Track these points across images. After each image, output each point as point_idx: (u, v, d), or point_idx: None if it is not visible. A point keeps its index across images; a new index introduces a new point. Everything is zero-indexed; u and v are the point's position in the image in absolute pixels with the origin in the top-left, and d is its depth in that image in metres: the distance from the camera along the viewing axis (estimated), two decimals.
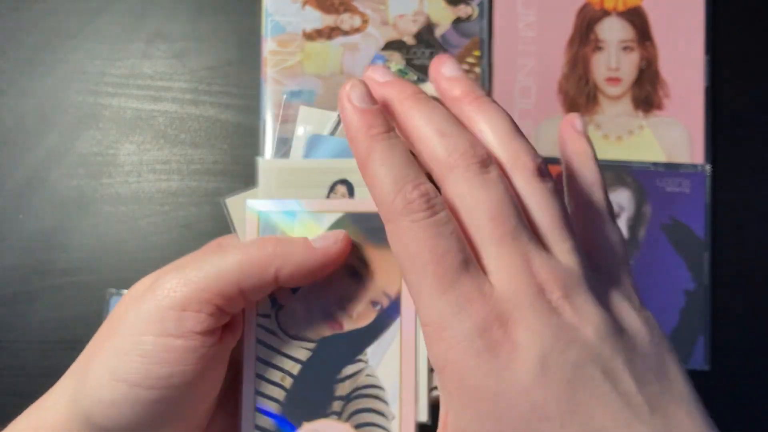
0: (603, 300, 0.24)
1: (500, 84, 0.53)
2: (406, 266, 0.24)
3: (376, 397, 0.28)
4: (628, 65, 0.54)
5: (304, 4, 0.52)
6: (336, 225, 0.29)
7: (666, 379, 0.24)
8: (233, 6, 0.53)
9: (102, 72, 0.52)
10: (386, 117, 0.26)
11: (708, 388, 0.52)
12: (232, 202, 0.31)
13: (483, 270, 0.24)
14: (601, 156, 0.53)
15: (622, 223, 0.53)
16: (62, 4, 0.52)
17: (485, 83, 0.53)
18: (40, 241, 0.51)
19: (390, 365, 0.28)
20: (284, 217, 0.29)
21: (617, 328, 0.24)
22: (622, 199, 0.53)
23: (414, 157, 0.26)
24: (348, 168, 0.30)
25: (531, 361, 0.22)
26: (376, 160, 0.25)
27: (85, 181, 0.51)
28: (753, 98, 0.55)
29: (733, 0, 0.55)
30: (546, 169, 0.26)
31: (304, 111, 0.32)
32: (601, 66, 0.54)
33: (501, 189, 0.24)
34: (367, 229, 0.29)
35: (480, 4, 0.53)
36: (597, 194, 0.28)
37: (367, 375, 0.28)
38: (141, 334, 0.26)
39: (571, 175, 0.29)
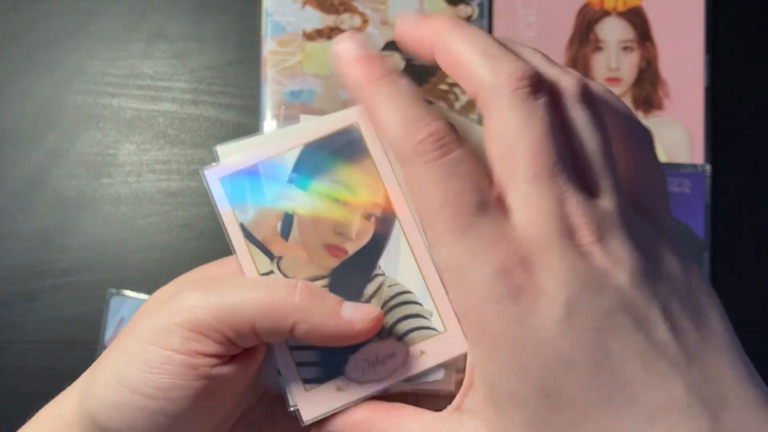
0: (641, 242, 0.22)
1: None
2: (422, 210, 0.23)
3: (407, 302, 0.27)
4: (628, 65, 0.54)
5: (304, 4, 0.52)
6: (302, 164, 0.28)
7: (705, 327, 0.22)
8: (233, 6, 0.53)
9: (102, 72, 0.52)
10: (385, 60, 0.25)
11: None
12: (224, 150, 0.29)
13: (508, 209, 0.22)
14: None
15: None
16: (62, 5, 0.52)
17: None
18: (40, 240, 0.51)
19: (407, 267, 0.27)
20: (248, 173, 0.28)
21: (654, 273, 0.22)
22: None
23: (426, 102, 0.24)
24: (312, 130, 0.29)
25: (557, 308, 0.21)
26: (381, 104, 0.24)
27: (85, 181, 0.51)
28: (753, 98, 0.55)
29: (733, 0, 0.55)
30: (592, 93, 0.24)
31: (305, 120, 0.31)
32: (601, 66, 0.54)
33: (548, 120, 0.22)
34: (334, 151, 0.28)
35: (480, 5, 0.53)
36: (636, 124, 0.26)
37: (389, 286, 0.27)
38: (148, 343, 0.25)
39: (607, 102, 0.26)
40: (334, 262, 0.28)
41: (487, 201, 0.22)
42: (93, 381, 0.26)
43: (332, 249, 0.28)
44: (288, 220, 0.28)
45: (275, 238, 0.28)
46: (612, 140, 0.24)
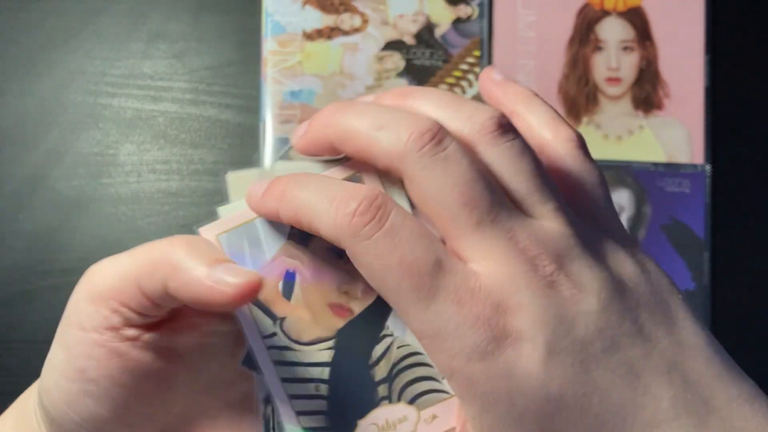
0: (597, 255, 0.23)
1: None
2: (380, 288, 0.22)
3: (418, 364, 0.26)
4: (628, 65, 0.54)
5: (305, 3, 0.52)
6: None
7: (676, 330, 0.22)
8: (233, 6, 0.53)
9: (102, 72, 0.52)
10: (276, 184, 0.24)
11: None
12: (234, 178, 0.28)
13: (465, 259, 0.22)
14: (601, 156, 0.53)
15: (622, 223, 0.53)
16: (62, 4, 0.52)
17: None
18: (40, 241, 0.51)
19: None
20: (246, 229, 0.26)
21: (619, 288, 0.22)
22: (622, 199, 0.53)
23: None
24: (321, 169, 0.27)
25: (539, 351, 0.21)
26: (296, 196, 0.23)
27: (85, 181, 0.51)
28: (753, 98, 0.55)
29: (733, 0, 0.55)
30: (507, 122, 0.23)
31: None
32: (601, 66, 0.54)
33: (465, 165, 0.21)
34: None
35: (480, 4, 0.53)
36: (562, 128, 0.25)
37: (399, 347, 0.26)
38: (66, 324, 0.26)
39: (523, 119, 0.26)
40: (340, 323, 0.26)
41: (442, 257, 0.21)
42: (45, 368, 0.26)
43: (337, 309, 0.26)
44: (290, 278, 0.26)
45: (277, 299, 0.26)
46: (540, 160, 0.23)
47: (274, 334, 0.26)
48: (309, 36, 0.52)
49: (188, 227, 0.51)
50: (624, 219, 0.53)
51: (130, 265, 0.25)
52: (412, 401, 0.26)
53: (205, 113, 0.52)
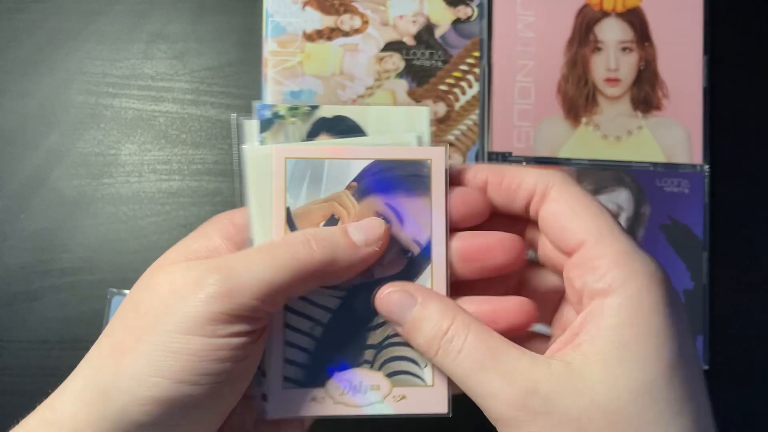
0: None
1: (500, 84, 0.53)
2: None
3: (408, 345, 0.28)
4: (627, 66, 0.54)
5: (305, 4, 0.52)
6: (365, 176, 0.28)
7: None
8: (234, 7, 0.53)
9: (103, 72, 0.52)
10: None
11: (707, 388, 0.53)
12: (250, 152, 0.29)
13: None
14: (600, 156, 0.53)
15: (621, 223, 0.53)
16: (63, 5, 0.52)
17: (485, 83, 0.53)
18: (42, 240, 0.51)
19: None
20: (313, 165, 0.28)
21: None
22: (621, 199, 0.53)
23: None
24: (385, 149, 0.29)
25: None
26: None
27: (86, 181, 0.51)
28: (751, 98, 0.56)
29: (731, 1, 0.56)
30: None
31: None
32: (600, 66, 0.54)
33: None
34: (399, 177, 0.28)
35: (479, 5, 0.53)
36: None
37: None
38: (190, 333, 0.25)
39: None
40: (356, 280, 0.28)
41: None
42: (118, 378, 0.26)
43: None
44: (332, 222, 0.28)
45: None
46: None
47: None
48: (309, 37, 0.52)
49: (189, 227, 0.51)
50: (623, 219, 0.53)
51: (283, 278, 0.26)
52: (390, 375, 0.28)
53: (205, 113, 0.52)
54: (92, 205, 0.51)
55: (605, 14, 0.54)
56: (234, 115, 0.30)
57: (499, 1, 0.54)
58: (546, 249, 0.30)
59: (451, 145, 0.52)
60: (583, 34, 0.54)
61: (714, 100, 0.55)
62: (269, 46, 0.51)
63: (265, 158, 0.28)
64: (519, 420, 0.24)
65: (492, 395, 0.25)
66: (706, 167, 0.54)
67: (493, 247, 0.29)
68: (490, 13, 0.54)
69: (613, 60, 0.54)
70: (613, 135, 0.54)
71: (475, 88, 0.53)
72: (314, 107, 0.29)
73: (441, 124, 0.52)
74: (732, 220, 0.54)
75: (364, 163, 0.28)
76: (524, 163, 0.53)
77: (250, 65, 0.52)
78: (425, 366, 0.28)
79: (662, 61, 0.54)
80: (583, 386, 0.24)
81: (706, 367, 0.53)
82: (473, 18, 0.53)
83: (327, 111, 0.29)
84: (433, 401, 0.28)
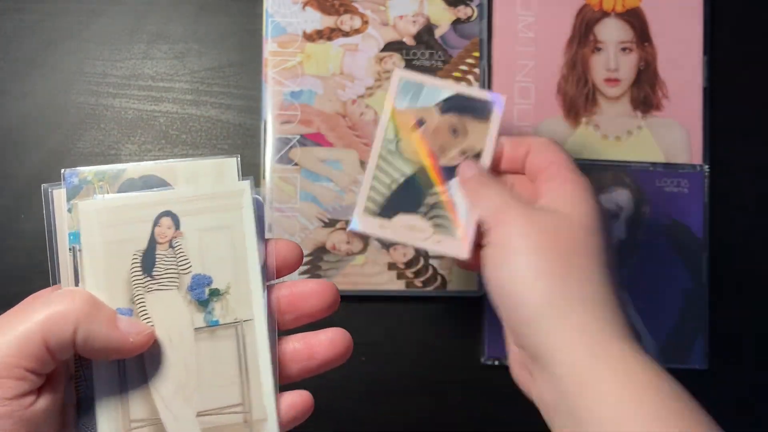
0: None
1: (500, 84, 0.53)
2: None
3: (449, 217, 0.40)
4: (627, 66, 0.54)
5: (305, 5, 0.52)
6: (448, 101, 0.42)
7: None
8: (234, 7, 0.53)
9: (103, 73, 0.52)
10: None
11: (706, 387, 0.53)
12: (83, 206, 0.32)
13: None
14: (599, 156, 0.54)
15: (621, 223, 0.53)
16: (63, 5, 0.52)
17: (485, 84, 0.53)
18: (42, 241, 0.51)
19: (462, 200, 0.40)
20: (417, 86, 0.42)
21: None
22: (621, 199, 0.53)
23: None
24: (170, 199, 0.31)
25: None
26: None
27: None
28: (751, 99, 0.56)
29: (731, 1, 0.56)
30: None
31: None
32: (600, 67, 0.54)
33: None
34: (469, 106, 0.42)
35: (479, 5, 0.53)
36: None
37: (448, 199, 0.40)
38: None
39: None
40: (427, 161, 0.41)
41: None
42: None
43: (431, 153, 0.41)
44: (420, 123, 0.41)
45: (410, 127, 0.41)
46: None
47: (396, 141, 0.41)
48: (309, 37, 0.52)
49: None
50: (623, 219, 0.53)
51: (34, 330, 0.26)
52: (435, 225, 0.40)
53: (206, 114, 0.52)
54: None
55: (605, 14, 0.54)
56: (44, 186, 0.32)
57: (499, 1, 0.54)
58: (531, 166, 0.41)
59: None
60: (583, 35, 0.54)
61: (714, 100, 0.55)
62: (269, 46, 0.52)
63: (98, 212, 0.32)
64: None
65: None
66: (706, 167, 0.54)
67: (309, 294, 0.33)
68: (490, 14, 0.54)
69: (613, 60, 0.54)
70: (613, 135, 0.54)
71: (475, 87, 0.53)
72: (121, 171, 0.33)
73: None
74: (732, 221, 0.54)
75: (448, 92, 0.42)
76: None
77: (251, 66, 0.52)
78: (457, 227, 0.40)
79: (662, 62, 0.54)
80: (559, 217, 0.37)
81: (705, 367, 0.53)
82: (473, 18, 0.53)
83: (134, 172, 0.32)
84: (458, 248, 0.39)
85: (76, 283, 0.31)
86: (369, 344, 0.51)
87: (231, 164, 0.33)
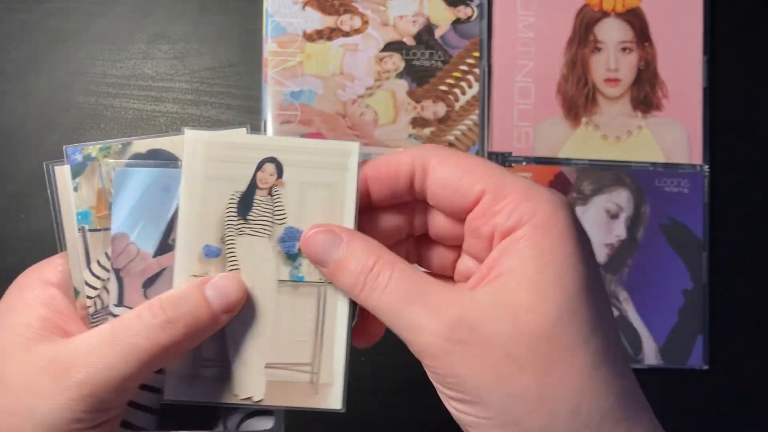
0: None
1: (499, 84, 0.53)
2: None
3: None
4: (627, 66, 0.54)
5: (305, 5, 0.52)
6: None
7: None
8: (234, 7, 0.53)
9: (103, 73, 0.52)
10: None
11: (706, 387, 0.53)
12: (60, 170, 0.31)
13: None
14: (599, 156, 0.53)
15: (621, 223, 0.53)
16: (64, 5, 0.52)
17: (485, 84, 0.53)
18: (42, 241, 0.51)
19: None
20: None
21: None
22: (621, 199, 0.53)
23: None
24: (278, 146, 0.31)
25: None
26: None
27: None
28: (751, 99, 0.56)
29: (731, 1, 0.56)
30: None
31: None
32: (600, 67, 0.54)
33: None
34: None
35: (479, 5, 0.53)
36: None
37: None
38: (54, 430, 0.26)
39: None
40: None
41: None
42: None
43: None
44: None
45: None
46: None
47: None
48: (309, 37, 0.52)
49: None
50: (623, 219, 0.53)
51: (137, 370, 0.27)
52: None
53: (206, 114, 0.52)
54: None
55: (605, 14, 0.54)
56: (45, 163, 0.31)
57: (499, 1, 0.54)
58: (438, 224, 0.30)
59: (451, 145, 0.52)
60: (583, 35, 0.54)
61: (714, 100, 0.55)
62: (269, 46, 0.52)
63: (204, 144, 0.31)
64: (446, 350, 0.25)
65: (418, 328, 0.25)
66: (706, 167, 0.54)
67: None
68: (490, 14, 0.54)
69: (612, 60, 0.54)
70: (613, 135, 0.54)
71: (475, 88, 0.53)
72: (126, 144, 0.31)
73: (441, 125, 0.52)
74: (732, 220, 0.54)
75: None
76: (524, 163, 0.53)
77: (251, 66, 0.52)
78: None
79: (662, 62, 0.54)
80: (507, 313, 0.24)
81: (705, 367, 0.53)
82: (473, 18, 0.53)
83: (141, 146, 0.31)
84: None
85: (88, 266, 0.30)
86: None
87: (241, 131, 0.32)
